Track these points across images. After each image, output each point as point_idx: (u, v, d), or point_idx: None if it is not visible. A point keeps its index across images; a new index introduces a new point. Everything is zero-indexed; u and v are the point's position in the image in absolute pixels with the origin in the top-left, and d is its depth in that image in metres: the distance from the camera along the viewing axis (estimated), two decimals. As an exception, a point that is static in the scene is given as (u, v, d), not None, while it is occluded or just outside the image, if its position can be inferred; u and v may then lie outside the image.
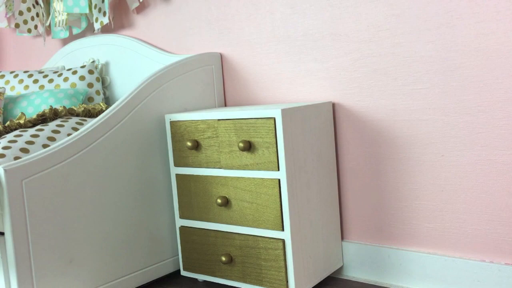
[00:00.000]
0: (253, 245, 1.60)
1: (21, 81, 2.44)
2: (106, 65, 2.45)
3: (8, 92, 2.44)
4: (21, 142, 1.62)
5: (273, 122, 1.50)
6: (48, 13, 2.65)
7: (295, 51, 1.82)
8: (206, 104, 1.97)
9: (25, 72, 2.50)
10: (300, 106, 1.58)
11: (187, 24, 2.14)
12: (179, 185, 1.76)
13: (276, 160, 1.51)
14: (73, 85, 2.34)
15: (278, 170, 1.51)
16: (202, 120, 1.66)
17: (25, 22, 2.70)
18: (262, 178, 1.54)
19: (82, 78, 2.35)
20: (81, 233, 1.58)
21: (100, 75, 2.43)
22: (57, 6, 2.49)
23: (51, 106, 1.94)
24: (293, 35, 1.82)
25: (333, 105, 1.75)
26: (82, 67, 2.39)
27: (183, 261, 1.80)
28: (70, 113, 1.93)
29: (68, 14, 2.45)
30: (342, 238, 1.79)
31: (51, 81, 2.39)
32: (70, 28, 2.59)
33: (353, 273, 1.77)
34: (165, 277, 1.87)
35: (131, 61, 2.34)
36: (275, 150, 1.50)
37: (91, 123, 1.64)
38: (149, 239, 1.78)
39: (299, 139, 1.56)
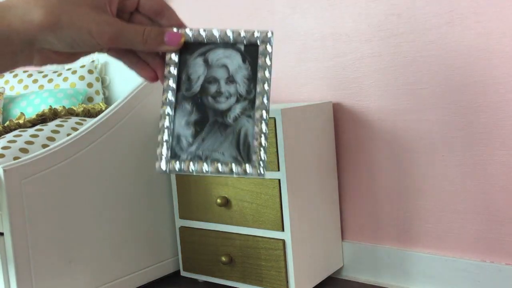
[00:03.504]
0: (253, 246, 1.59)
1: (20, 81, 2.44)
2: (105, 64, 2.45)
3: (8, 92, 2.43)
4: (20, 142, 1.62)
5: (273, 122, 1.49)
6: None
7: (295, 51, 1.82)
8: (206, 104, 1.96)
9: (25, 72, 2.49)
10: (300, 106, 1.58)
11: (187, 24, 2.14)
12: (179, 185, 1.76)
13: (276, 160, 1.50)
14: (73, 85, 2.33)
15: (278, 170, 1.51)
16: (202, 120, 1.66)
17: (25, 21, 2.69)
18: (262, 178, 1.54)
19: (81, 78, 2.34)
20: (81, 233, 1.58)
21: (99, 75, 2.43)
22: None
23: (50, 106, 1.93)
24: (293, 35, 1.82)
25: (333, 105, 1.75)
26: (82, 66, 2.39)
27: (183, 262, 1.79)
28: (70, 113, 1.93)
29: (67, 14, 2.44)
30: (342, 238, 1.79)
31: (50, 81, 2.38)
32: (69, 28, 2.58)
33: (353, 274, 1.77)
34: (165, 277, 1.87)
35: (130, 61, 2.33)
36: (275, 150, 1.50)
37: (90, 123, 1.63)
38: (149, 239, 1.78)
39: (299, 139, 1.56)
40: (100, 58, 2.47)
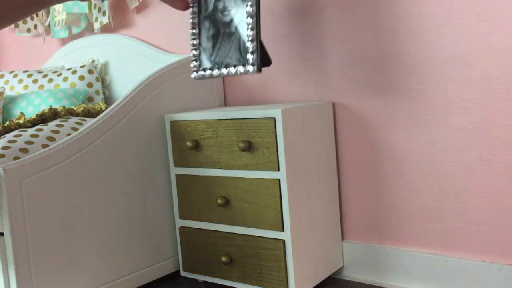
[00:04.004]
0: (253, 246, 1.59)
1: (20, 81, 2.44)
2: (105, 65, 2.45)
3: (8, 92, 2.43)
4: (20, 142, 1.62)
5: (273, 122, 1.49)
6: (48, 13, 2.64)
7: (295, 51, 1.82)
8: (206, 104, 1.97)
9: (25, 72, 2.49)
10: (300, 106, 1.58)
11: (187, 23, 2.14)
12: (179, 185, 1.76)
13: (276, 160, 1.50)
14: (73, 85, 2.33)
15: (278, 170, 1.51)
16: (202, 120, 1.66)
17: (25, 22, 2.70)
18: (262, 178, 1.54)
19: (81, 78, 2.34)
20: (80, 233, 1.58)
21: (99, 75, 2.43)
22: (56, 5, 2.49)
23: (50, 106, 1.93)
24: (293, 36, 1.82)
25: (333, 105, 1.75)
26: (82, 67, 2.39)
27: (183, 262, 1.79)
28: (70, 113, 1.93)
29: (67, 14, 2.45)
30: (342, 238, 1.79)
31: (50, 81, 2.38)
32: (69, 28, 2.59)
33: (353, 274, 1.77)
34: (165, 277, 1.87)
35: (131, 61, 2.34)
36: (275, 150, 1.50)
37: (90, 123, 1.63)
38: (149, 239, 1.78)
39: (299, 139, 1.56)
40: (100, 58, 2.47)
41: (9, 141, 1.62)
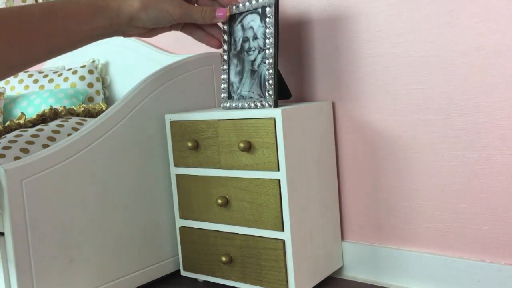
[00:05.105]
0: (253, 245, 1.59)
1: (21, 81, 2.45)
2: (106, 65, 2.45)
3: (8, 92, 2.44)
4: (21, 142, 1.62)
5: (273, 122, 1.49)
6: (48, 13, 2.64)
7: (294, 51, 1.82)
8: (206, 104, 1.97)
9: (25, 72, 2.50)
10: (300, 106, 1.58)
11: (187, 24, 2.14)
12: (179, 185, 1.76)
13: (276, 161, 1.51)
14: (73, 85, 2.34)
15: (278, 170, 1.51)
16: (202, 120, 1.66)
17: (25, 22, 2.70)
18: (262, 179, 1.54)
19: (82, 78, 2.35)
20: (81, 233, 1.58)
21: (100, 75, 2.43)
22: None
23: (51, 106, 1.94)
24: (292, 35, 1.82)
25: (333, 105, 1.75)
26: (82, 67, 2.39)
27: (183, 261, 1.80)
28: (70, 113, 1.93)
29: (68, 14, 2.45)
30: (342, 238, 1.79)
31: (51, 81, 2.39)
32: (70, 28, 2.59)
33: (353, 273, 1.77)
34: (165, 277, 1.87)
35: (131, 61, 2.34)
36: (275, 150, 1.50)
37: (91, 123, 1.64)
38: (149, 239, 1.78)
39: (299, 139, 1.56)
40: (100, 58, 2.47)
41: (10, 141, 1.62)
